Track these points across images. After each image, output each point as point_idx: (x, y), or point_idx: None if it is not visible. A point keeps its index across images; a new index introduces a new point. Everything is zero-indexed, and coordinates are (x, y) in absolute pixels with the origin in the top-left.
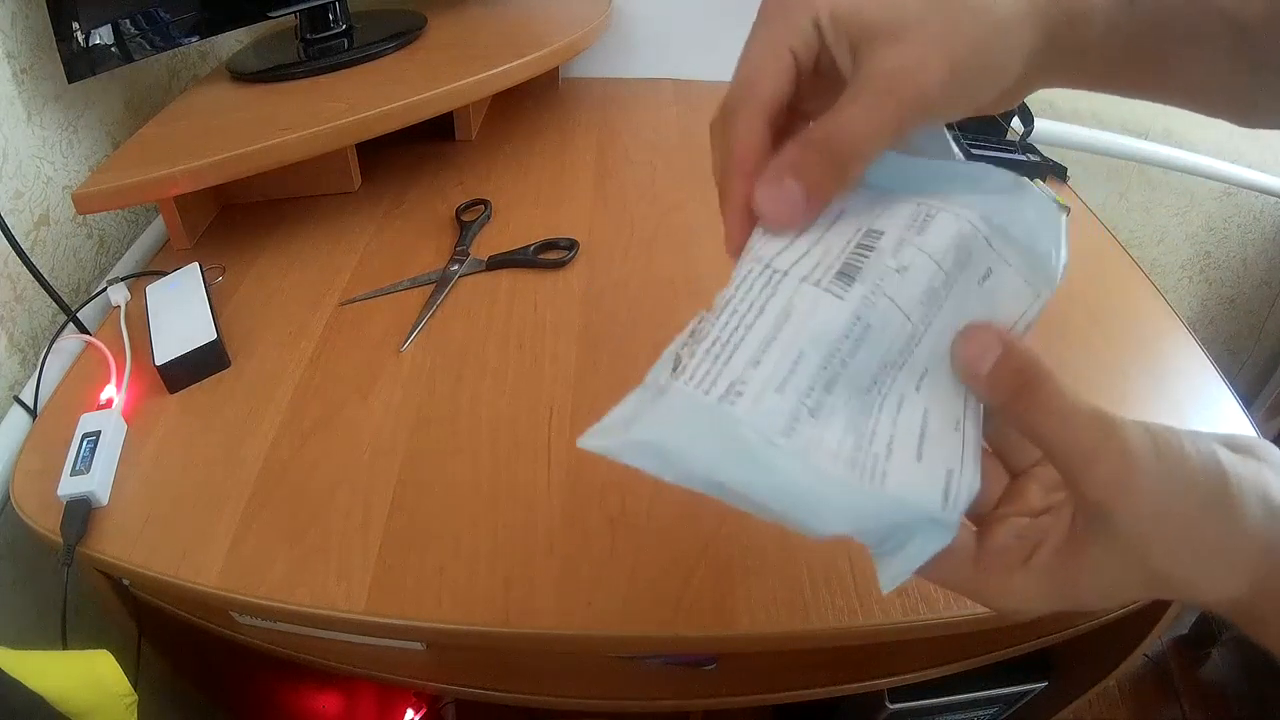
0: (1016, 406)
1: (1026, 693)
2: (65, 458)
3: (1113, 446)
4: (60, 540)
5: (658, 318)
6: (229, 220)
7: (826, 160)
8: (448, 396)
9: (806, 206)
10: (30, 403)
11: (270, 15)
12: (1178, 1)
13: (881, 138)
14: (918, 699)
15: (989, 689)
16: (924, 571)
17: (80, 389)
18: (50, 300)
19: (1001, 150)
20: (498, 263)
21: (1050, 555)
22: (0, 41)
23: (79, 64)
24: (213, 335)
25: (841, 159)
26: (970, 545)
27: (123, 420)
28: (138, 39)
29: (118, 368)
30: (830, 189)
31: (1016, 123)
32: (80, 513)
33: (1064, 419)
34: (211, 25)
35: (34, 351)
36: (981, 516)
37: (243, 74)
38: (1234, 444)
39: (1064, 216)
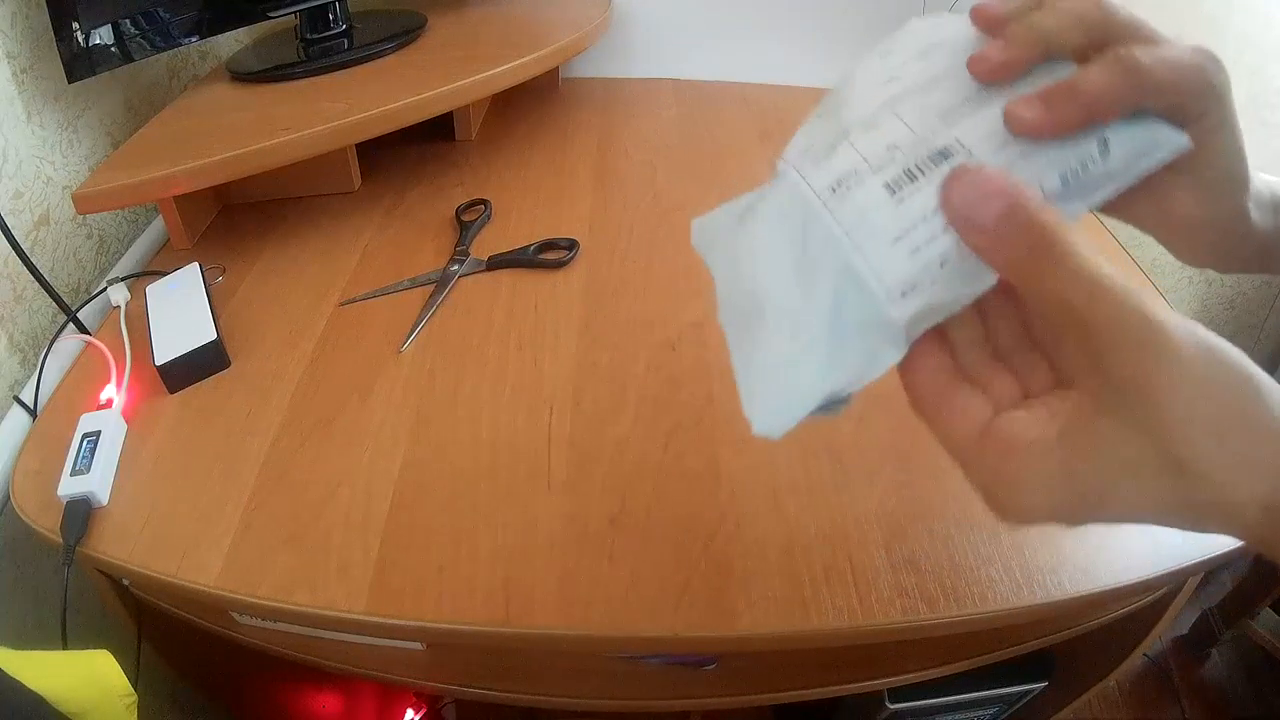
0: (1034, 264)
1: (1026, 693)
2: (65, 458)
3: (1145, 313)
4: (60, 540)
5: (658, 318)
6: (229, 220)
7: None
8: (448, 396)
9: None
10: (30, 403)
11: (270, 15)
12: None
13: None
14: (918, 699)
15: (989, 689)
16: (939, 426)
17: (80, 389)
18: (50, 300)
19: None
20: (498, 263)
21: (1060, 432)
22: (0, 42)
23: (79, 64)
24: (213, 335)
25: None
26: (983, 416)
27: (123, 420)
28: (138, 39)
29: (118, 368)
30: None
31: None
32: (80, 513)
33: (1092, 280)
34: (211, 25)
35: (34, 351)
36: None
37: (243, 74)
38: None
39: None
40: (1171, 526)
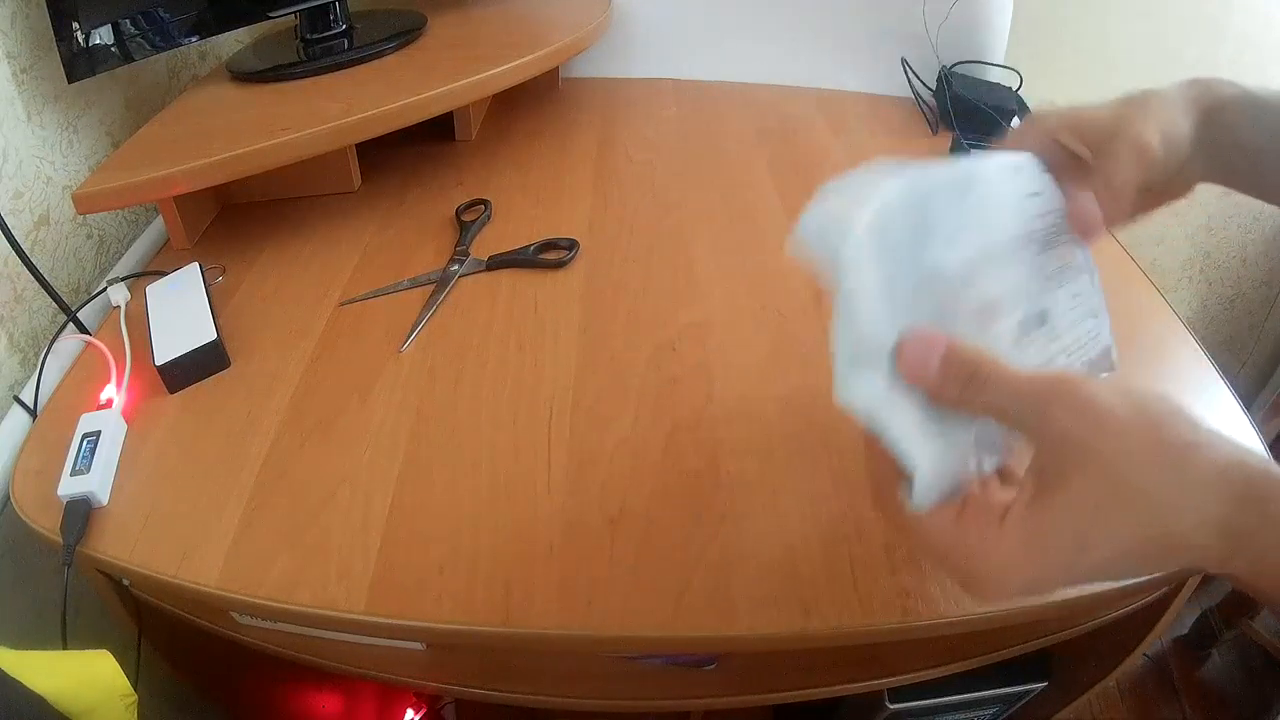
0: (969, 390)
1: (1026, 693)
2: (65, 458)
3: (1065, 382)
4: (60, 540)
5: (658, 318)
6: (229, 220)
7: (1111, 194)
8: (448, 396)
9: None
10: (30, 403)
11: (270, 15)
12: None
13: (1136, 182)
14: (918, 699)
15: (989, 689)
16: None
17: (80, 389)
18: (50, 300)
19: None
20: (498, 263)
21: (1023, 507)
22: (0, 42)
23: (79, 64)
24: (213, 335)
25: (1118, 195)
26: (954, 503)
27: (123, 420)
28: (138, 39)
29: (118, 368)
30: (1113, 218)
31: (1016, 121)
32: (80, 513)
33: (1014, 379)
34: (211, 25)
35: (34, 351)
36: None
37: (243, 74)
38: None
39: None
40: (1144, 572)
